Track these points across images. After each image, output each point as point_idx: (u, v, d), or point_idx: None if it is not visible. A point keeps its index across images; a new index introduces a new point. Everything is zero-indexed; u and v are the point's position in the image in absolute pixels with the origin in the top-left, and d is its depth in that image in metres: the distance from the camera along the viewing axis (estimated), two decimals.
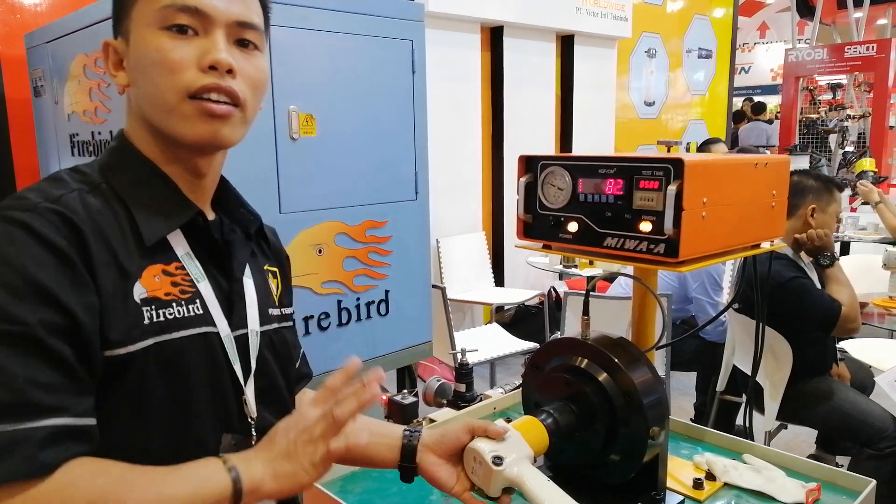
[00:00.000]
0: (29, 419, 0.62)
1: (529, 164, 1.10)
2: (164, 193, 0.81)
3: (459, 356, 1.75)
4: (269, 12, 0.87)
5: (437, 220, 3.43)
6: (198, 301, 0.79)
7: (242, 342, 0.84)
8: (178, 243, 0.80)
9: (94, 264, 0.70)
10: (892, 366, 2.23)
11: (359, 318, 2.26)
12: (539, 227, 1.10)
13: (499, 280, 4.54)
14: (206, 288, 0.81)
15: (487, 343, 3.41)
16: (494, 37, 4.40)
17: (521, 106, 4.56)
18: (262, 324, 0.88)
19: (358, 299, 2.25)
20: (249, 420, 0.83)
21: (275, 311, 0.92)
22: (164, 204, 0.80)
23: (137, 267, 0.75)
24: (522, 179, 1.10)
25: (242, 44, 0.81)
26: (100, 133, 2.17)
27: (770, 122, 9.63)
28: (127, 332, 0.72)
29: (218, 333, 0.80)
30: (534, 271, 4.48)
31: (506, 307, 4.49)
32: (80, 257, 0.69)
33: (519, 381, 1.58)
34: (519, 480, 0.86)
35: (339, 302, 2.19)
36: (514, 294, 4.32)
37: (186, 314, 0.77)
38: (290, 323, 0.98)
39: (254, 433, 0.84)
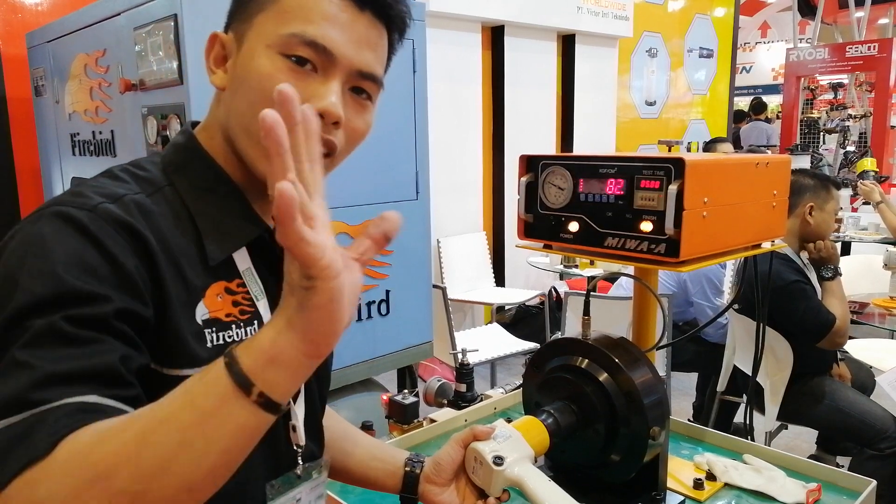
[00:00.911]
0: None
1: (530, 164, 1.10)
2: (232, 205, 0.74)
3: (460, 356, 1.75)
4: (391, 60, 0.80)
5: (437, 220, 3.43)
6: (256, 322, 0.73)
7: None
8: (241, 258, 0.74)
9: (160, 279, 0.64)
10: (893, 366, 2.23)
11: (359, 318, 2.26)
12: (540, 226, 1.10)
13: (499, 280, 4.54)
14: (264, 307, 0.75)
15: (488, 343, 3.41)
16: (495, 36, 4.40)
17: (521, 105, 4.56)
18: None
19: (358, 299, 2.25)
20: (296, 448, 0.78)
21: None
22: (230, 217, 0.73)
23: (202, 284, 0.69)
24: (523, 179, 1.10)
25: (358, 91, 0.74)
26: (100, 132, 2.17)
27: (769, 121, 9.62)
28: (193, 354, 0.66)
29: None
30: (534, 271, 4.48)
31: (506, 307, 4.49)
32: (143, 272, 0.63)
33: (519, 381, 1.58)
34: (520, 480, 0.86)
35: None
36: (515, 294, 4.32)
37: (244, 336, 0.71)
38: None
39: (300, 462, 0.78)
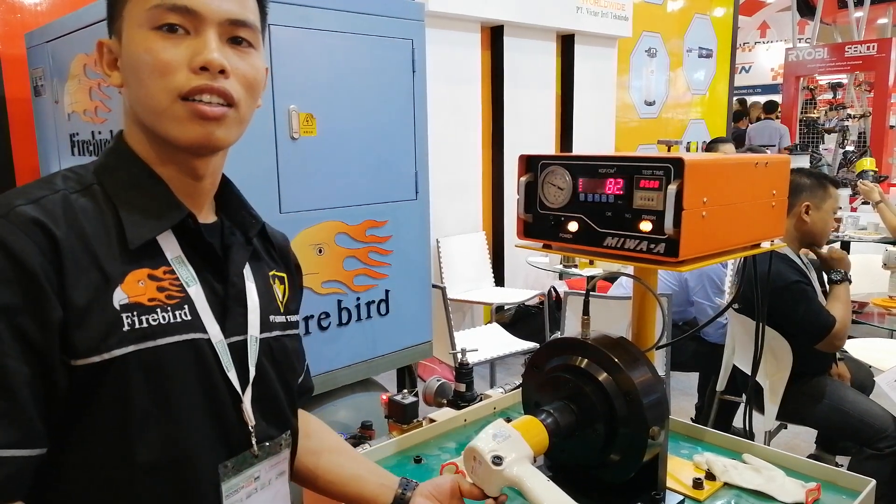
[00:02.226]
0: None
1: (530, 164, 1.10)
2: (155, 195, 0.78)
3: (459, 356, 1.75)
4: (267, 7, 0.85)
5: (437, 220, 3.43)
6: (186, 307, 0.76)
7: (239, 348, 0.81)
8: (169, 246, 0.78)
9: (65, 272, 0.68)
10: (892, 366, 2.23)
11: (359, 318, 2.26)
12: (539, 226, 1.10)
13: (499, 280, 4.54)
14: (197, 293, 0.78)
15: (487, 343, 3.41)
16: (495, 36, 4.40)
17: (521, 105, 4.56)
18: (262, 331, 0.85)
19: (358, 299, 2.25)
20: (249, 428, 0.81)
21: (278, 319, 0.90)
22: (153, 206, 0.77)
23: (120, 272, 0.72)
24: (523, 179, 1.10)
25: (236, 41, 0.78)
26: (100, 132, 2.17)
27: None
28: (103, 340, 0.69)
29: (209, 340, 0.78)
30: (534, 271, 4.48)
31: (506, 307, 4.49)
32: (49, 267, 0.67)
33: (519, 381, 1.58)
34: (518, 480, 0.86)
35: (340, 302, 2.19)
36: (514, 294, 4.32)
37: (172, 320, 0.74)
38: (295, 331, 0.95)
39: (254, 441, 0.82)
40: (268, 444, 0.84)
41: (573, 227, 1.05)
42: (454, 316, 3.26)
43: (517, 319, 4.54)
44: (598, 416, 0.99)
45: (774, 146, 7.97)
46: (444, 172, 3.91)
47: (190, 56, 0.74)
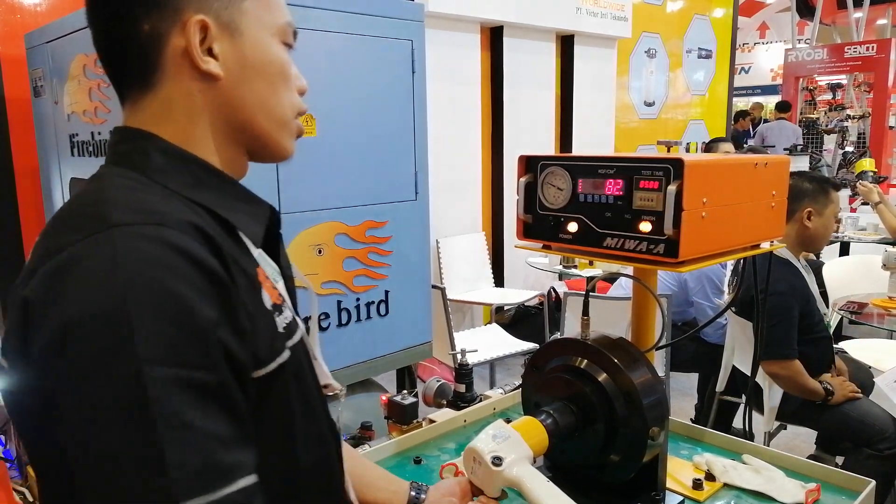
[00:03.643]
0: (221, 485, 0.54)
1: (529, 164, 1.10)
2: (238, 194, 0.74)
3: (459, 357, 1.75)
4: None
5: (437, 221, 3.43)
6: (284, 306, 0.72)
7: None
8: (252, 244, 0.73)
9: (233, 278, 0.62)
10: (892, 367, 2.23)
11: (359, 319, 2.26)
12: (539, 227, 1.10)
13: (498, 280, 4.54)
14: (282, 287, 0.75)
15: (487, 343, 3.41)
16: (494, 37, 4.40)
17: (521, 106, 4.56)
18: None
19: (358, 300, 2.25)
20: (336, 404, 0.82)
21: None
22: (243, 204, 0.73)
23: (254, 271, 0.68)
24: (522, 179, 1.10)
25: None
26: (100, 133, 2.17)
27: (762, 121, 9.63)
28: (271, 345, 0.66)
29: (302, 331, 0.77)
30: (533, 272, 4.48)
31: (505, 307, 4.49)
32: (224, 274, 0.60)
33: (519, 382, 1.58)
34: (518, 481, 0.86)
35: (339, 302, 2.19)
36: (514, 294, 4.32)
37: (289, 319, 0.72)
38: None
39: (339, 421, 0.82)
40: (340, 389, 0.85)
41: (573, 227, 1.05)
42: (454, 316, 3.26)
43: (517, 320, 4.54)
44: (597, 417, 0.99)
45: (789, 145, 7.92)
46: (444, 172, 3.91)
47: (294, 76, 0.76)
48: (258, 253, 0.72)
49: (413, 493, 0.97)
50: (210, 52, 0.69)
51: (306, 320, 0.84)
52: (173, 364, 0.53)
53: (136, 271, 0.54)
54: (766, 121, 9.63)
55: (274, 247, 0.77)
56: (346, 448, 1.04)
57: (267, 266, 0.72)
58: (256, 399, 0.63)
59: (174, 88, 0.69)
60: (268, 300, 0.67)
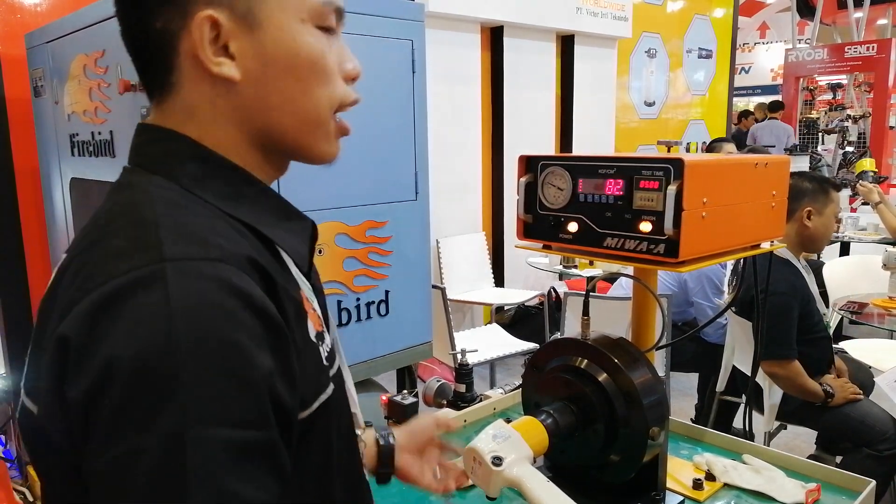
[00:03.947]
0: None
1: (529, 164, 1.10)
2: (278, 208, 0.67)
3: (459, 356, 1.75)
4: None
5: (437, 221, 3.43)
6: (321, 320, 0.68)
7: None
8: (289, 261, 0.66)
9: (286, 316, 0.56)
10: (892, 366, 2.23)
11: (359, 319, 2.26)
12: (539, 227, 1.10)
13: (499, 280, 4.54)
14: (317, 305, 0.69)
15: (487, 343, 3.41)
16: (494, 37, 4.40)
17: (521, 106, 4.56)
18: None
19: (358, 300, 2.25)
20: (358, 431, 0.77)
21: None
22: (285, 220, 0.66)
23: (300, 298, 0.62)
24: (522, 179, 1.10)
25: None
26: (100, 133, 2.16)
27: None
28: (317, 381, 0.61)
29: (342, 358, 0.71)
30: (534, 272, 4.48)
31: (506, 307, 4.49)
32: (279, 315, 0.55)
33: (519, 382, 1.58)
34: (518, 481, 0.86)
35: (339, 302, 2.19)
36: (514, 294, 4.32)
37: (331, 345, 0.66)
38: None
39: (362, 442, 0.79)
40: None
41: (573, 227, 1.05)
42: (454, 316, 3.26)
43: (517, 320, 4.54)
44: (597, 417, 0.99)
45: (781, 145, 7.95)
46: (444, 173, 3.91)
47: (341, 62, 0.65)
48: (296, 271, 0.65)
49: (382, 443, 0.93)
50: (227, 51, 0.61)
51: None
52: (222, 423, 0.47)
53: (191, 317, 0.48)
54: (762, 118, 9.66)
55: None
56: None
57: (303, 285, 0.66)
58: (297, 440, 0.58)
59: (193, 91, 0.62)
60: (312, 329, 0.62)
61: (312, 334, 0.61)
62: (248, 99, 0.62)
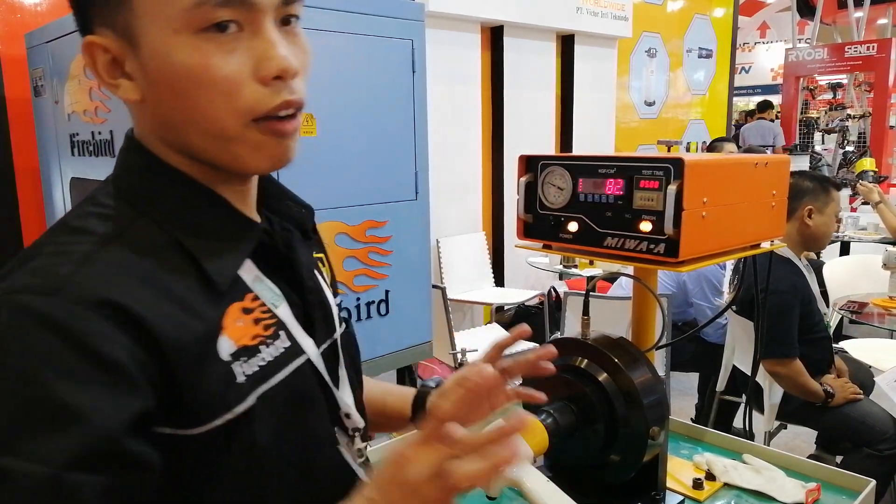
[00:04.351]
0: None
1: (529, 164, 1.10)
2: (220, 217, 0.64)
3: (459, 356, 1.75)
4: None
5: (437, 220, 3.43)
6: (282, 332, 0.66)
7: (331, 355, 0.74)
8: (246, 269, 0.65)
9: (159, 342, 0.55)
10: (892, 366, 2.23)
11: (359, 318, 2.26)
12: (539, 226, 1.10)
13: (499, 280, 4.54)
14: (285, 311, 0.67)
15: (487, 343, 3.39)
16: (494, 36, 4.40)
17: (521, 106, 4.56)
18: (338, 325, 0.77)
19: (358, 299, 2.25)
20: (350, 434, 0.75)
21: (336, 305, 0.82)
22: (223, 230, 0.64)
23: (217, 317, 0.60)
24: (522, 179, 1.10)
25: (284, 21, 0.61)
26: (100, 133, 2.17)
27: (772, 120, 9.65)
28: (219, 401, 0.59)
29: (308, 359, 0.69)
30: (534, 271, 4.48)
31: (506, 307, 4.48)
32: (136, 351, 0.53)
33: (519, 382, 1.58)
34: (518, 480, 0.86)
35: (340, 302, 2.19)
36: (514, 294, 4.32)
37: (276, 353, 0.65)
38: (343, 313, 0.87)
39: (359, 445, 0.76)
40: (366, 445, 0.78)
41: (573, 227, 1.05)
42: (454, 316, 3.26)
43: (517, 320, 4.54)
44: (597, 417, 0.99)
45: (769, 145, 7.98)
46: (444, 173, 3.91)
47: (254, 63, 0.58)
48: (253, 277, 0.65)
49: (420, 391, 0.93)
50: (122, 72, 0.60)
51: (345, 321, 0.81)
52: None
53: (6, 351, 0.50)
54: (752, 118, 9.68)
55: (287, 264, 0.70)
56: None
57: (265, 291, 0.66)
58: (206, 454, 0.58)
59: (130, 108, 0.64)
60: (229, 347, 0.60)
61: (226, 352, 0.60)
62: (157, 117, 0.61)
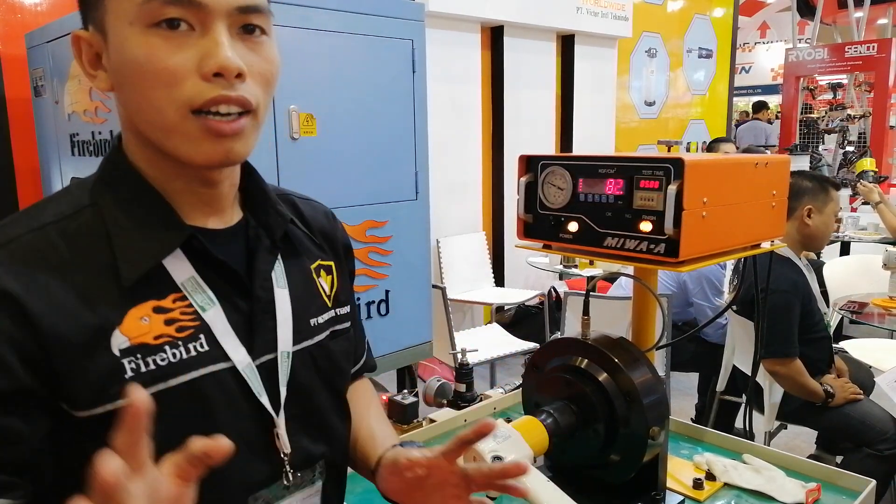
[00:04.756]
0: None
1: (530, 164, 1.10)
2: (153, 215, 0.68)
3: (459, 356, 1.75)
4: None
5: (437, 220, 3.43)
6: (202, 336, 0.67)
7: (270, 368, 0.73)
8: (179, 268, 0.68)
9: (40, 330, 0.60)
10: (892, 366, 2.23)
11: (359, 319, 2.26)
12: (539, 226, 1.10)
13: (499, 280, 4.54)
14: (215, 316, 0.69)
15: (487, 343, 3.41)
16: (495, 36, 4.40)
17: (521, 106, 4.56)
18: (296, 342, 0.76)
19: (358, 299, 2.25)
20: (282, 456, 0.73)
21: (323, 318, 0.81)
22: (150, 229, 0.67)
23: (118, 312, 0.63)
24: (523, 179, 1.10)
25: (247, 30, 0.66)
26: (100, 133, 2.17)
27: (769, 121, 9.64)
28: (105, 390, 0.62)
29: (233, 367, 0.69)
30: (534, 271, 4.48)
31: (506, 307, 4.49)
32: (15, 336, 0.59)
33: (519, 382, 1.58)
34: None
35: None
36: (515, 294, 4.32)
37: (185, 356, 0.66)
38: (346, 325, 0.86)
39: (288, 470, 0.73)
40: (300, 473, 0.75)
41: (573, 227, 1.05)
42: (454, 316, 3.26)
43: (517, 320, 4.54)
44: (598, 417, 0.99)
45: (762, 146, 8.01)
46: (444, 172, 3.91)
47: (199, 59, 0.62)
48: (187, 278, 0.67)
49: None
50: (102, 63, 0.67)
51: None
52: None
53: None
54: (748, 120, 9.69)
55: (230, 270, 0.70)
56: (363, 402, 0.92)
57: (197, 293, 0.68)
58: (91, 439, 0.57)
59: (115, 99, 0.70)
60: (119, 343, 0.63)
61: (116, 346, 0.63)
62: (124, 108, 0.68)
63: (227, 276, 0.71)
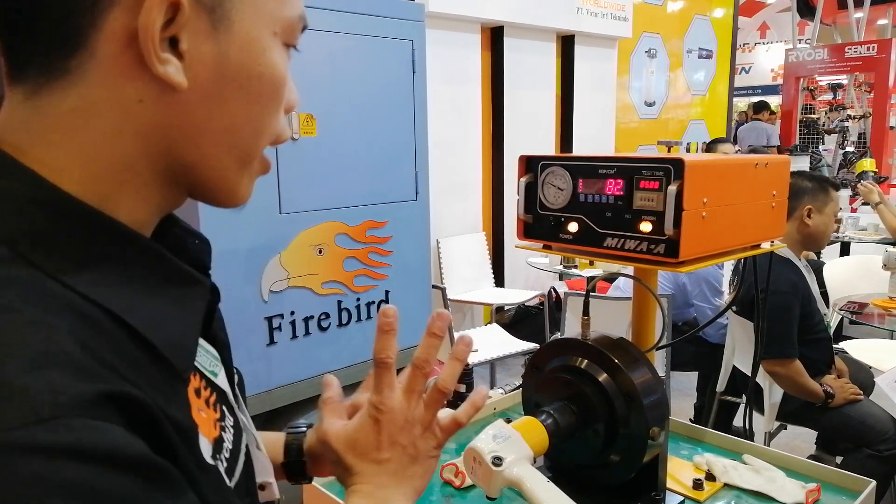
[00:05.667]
0: None
1: (530, 165, 1.10)
2: (161, 272, 0.47)
3: None
4: None
5: (437, 221, 3.44)
6: (223, 406, 0.54)
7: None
8: None
9: (174, 447, 0.41)
10: (892, 367, 2.23)
11: (359, 319, 2.26)
12: (539, 227, 1.10)
13: (499, 280, 4.54)
14: (222, 377, 0.56)
15: (487, 343, 3.41)
16: (495, 37, 4.41)
17: (521, 106, 4.56)
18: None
19: (358, 299, 2.25)
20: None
21: None
22: (170, 289, 0.47)
23: (185, 411, 0.46)
24: (523, 179, 1.10)
25: None
26: None
27: (772, 113, 9.65)
28: None
29: (246, 426, 0.59)
30: (534, 272, 4.48)
31: (506, 308, 4.49)
32: (164, 449, 0.40)
33: (519, 382, 1.58)
34: (518, 481, 0.86)
35: (340, 302, 2.19)
36: (515, 294, 4.32)
37: (231, 436, 0.54)
38: None
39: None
40: None
41: (573, 227, 1.05)
42: (454, 316, 3.26)
43: (517, 320, 4.54)
44: (598, 417, 0.99)
45: (763, 146, 8.00)
46: (445, 173, 3.91)
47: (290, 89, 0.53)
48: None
49: (290, 436, 0.78)
50: (174, 46, 0.43)
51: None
52: None
53: None
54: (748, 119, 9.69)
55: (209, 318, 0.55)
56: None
57: (204, 356, 0.53)
58: None
59: (102, 87, 0.43)
60: (207, 446, 0.47)
61: (208, 453, 0.47)
62: (180, 117, 0.46)
63: (208, 328, 0.56)
